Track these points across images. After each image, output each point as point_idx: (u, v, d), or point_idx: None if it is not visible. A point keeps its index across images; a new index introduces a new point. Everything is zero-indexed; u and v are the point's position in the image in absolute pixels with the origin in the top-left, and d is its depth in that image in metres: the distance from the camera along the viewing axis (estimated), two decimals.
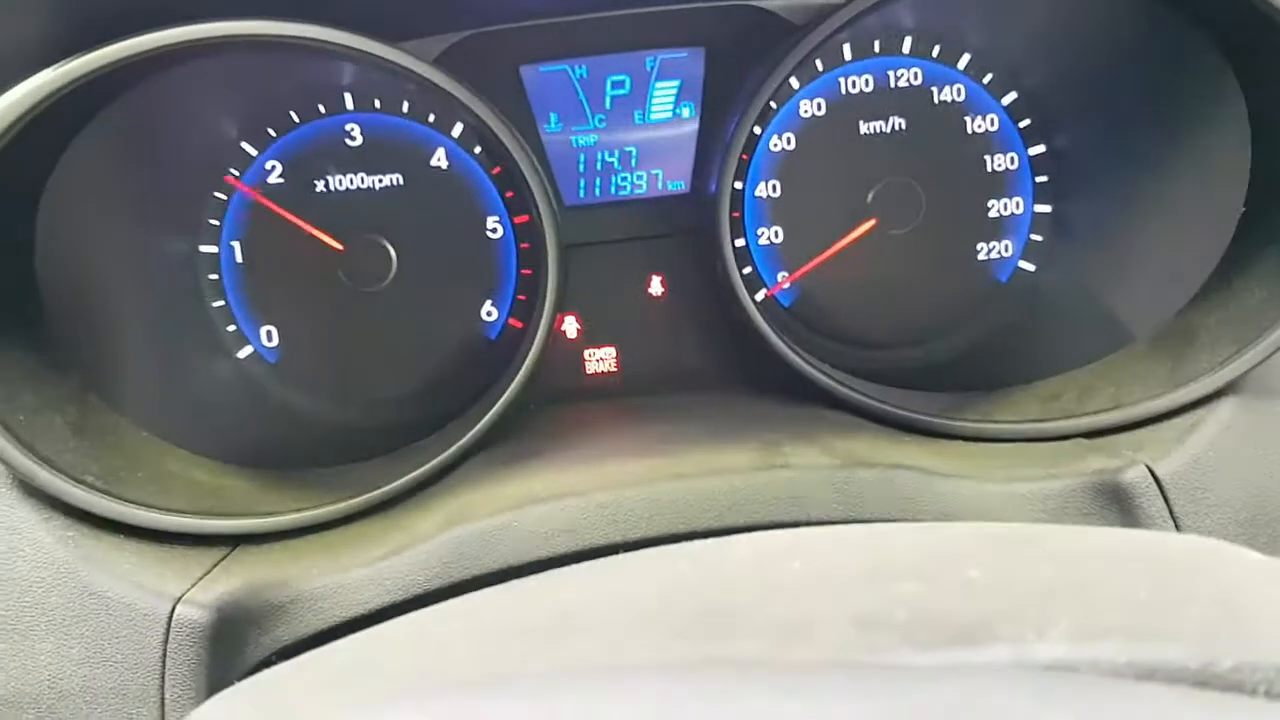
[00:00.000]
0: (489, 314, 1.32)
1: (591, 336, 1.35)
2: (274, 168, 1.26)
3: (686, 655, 0.43)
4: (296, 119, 1.26)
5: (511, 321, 1.32)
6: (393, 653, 0.52)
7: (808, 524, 0.93)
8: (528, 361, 1.10)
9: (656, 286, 1.34)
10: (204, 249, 1.26)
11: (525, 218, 1.29)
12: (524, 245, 1.31)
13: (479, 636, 0.51)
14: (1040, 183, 1.32)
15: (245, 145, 1.25)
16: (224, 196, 1.26)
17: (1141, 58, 1.17)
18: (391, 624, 0.55)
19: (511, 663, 0.46)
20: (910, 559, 0.51)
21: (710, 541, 0.56)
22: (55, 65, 0.87)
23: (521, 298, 1.32)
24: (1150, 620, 0.43)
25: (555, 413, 1.28)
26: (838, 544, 0.55)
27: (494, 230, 1.31)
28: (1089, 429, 1.04)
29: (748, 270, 1.33)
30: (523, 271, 1.31)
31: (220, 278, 1.27)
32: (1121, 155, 1.23)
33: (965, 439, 1.07)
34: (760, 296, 1.33)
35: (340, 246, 1.25)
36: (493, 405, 1.08)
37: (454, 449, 1.06)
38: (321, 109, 1.26)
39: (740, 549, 0.55)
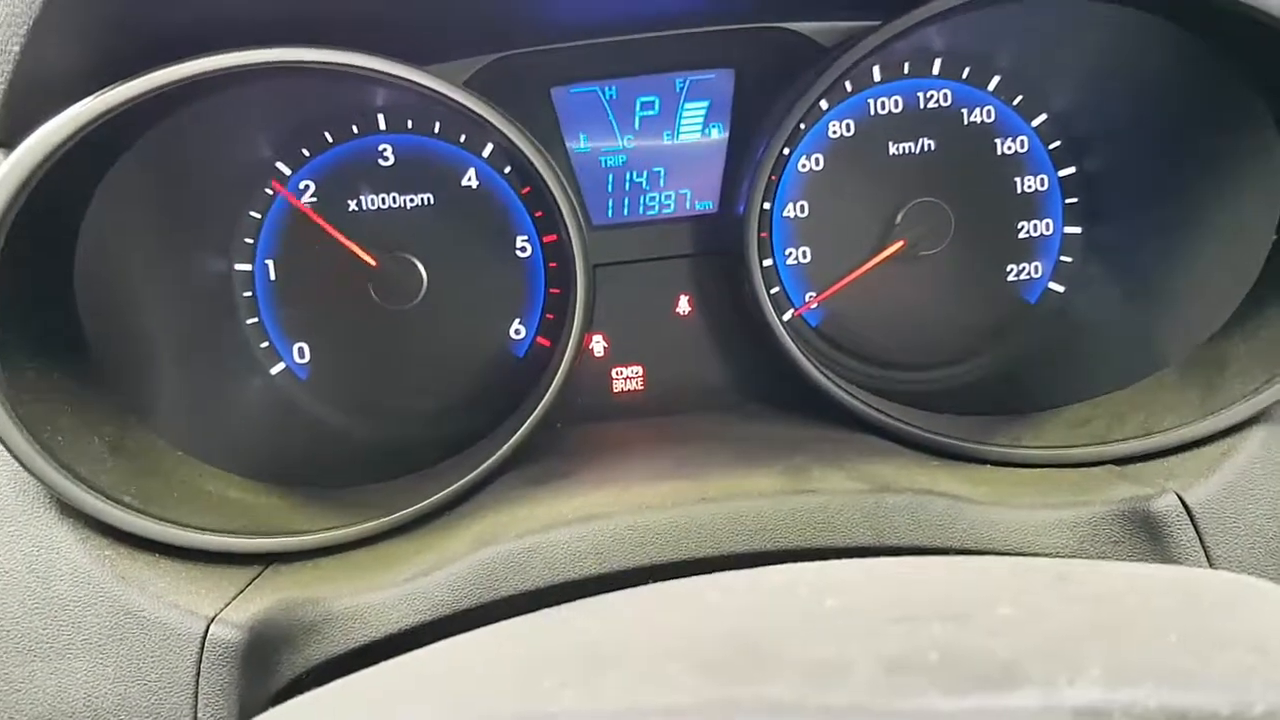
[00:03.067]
0: (517, 332, 1.33)
1: (619, 355, 1.36)
2: (308, 187, 1.27)
3: (716, 694, 0.44)
4: (330, 139, 1.27)
5: (539, 340, 1.33)
6: (425, 682, 0.53)
7: (834, 550, 0.93)
8: (556, 380, 1.11)
9: (684, 306, 1.35)
10: (239, 267, 1.28)
11: (554, 237, 1.30)
12: (553, 264, 1.32)
13: (510, 668, 0.51)
14: (1070, 204, 1.32)
15: (280, 165, 1.26)
16: (259, 215, 1.27)
17: (1172, 83, 1.16)
18: (424, 651, 0.56)
19: (541, 697, 0.46)
20: (943, 595, 0.51)
21: (743, 573, 0.56)
22: (98, 93, 0.89)
23: (549, 316, 1.33)
24: (1183, 664, 0.43)
25: (583, 432, 1.29)
26: (870, 579, 0.55)
27: (523, 249, 1.32)
28: (1118, 456, 1.03)
29: (775, 290, 1.33)
30: (551, 290, 1.32)
31: (254, 295, 1.29)
32: (1152, 178, 1.22)
33: (993, 463, 1.07)
34: (788, 316, 1.33)
35: (374, 261, 1.26)
36: (521, 424, 1.09)
37: (482, 468, 1.07)
38: (355, 130, 1.27)
39: (772, 582, 0.55)
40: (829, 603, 0.52)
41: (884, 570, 0.57)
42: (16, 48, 0.84)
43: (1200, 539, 0.92)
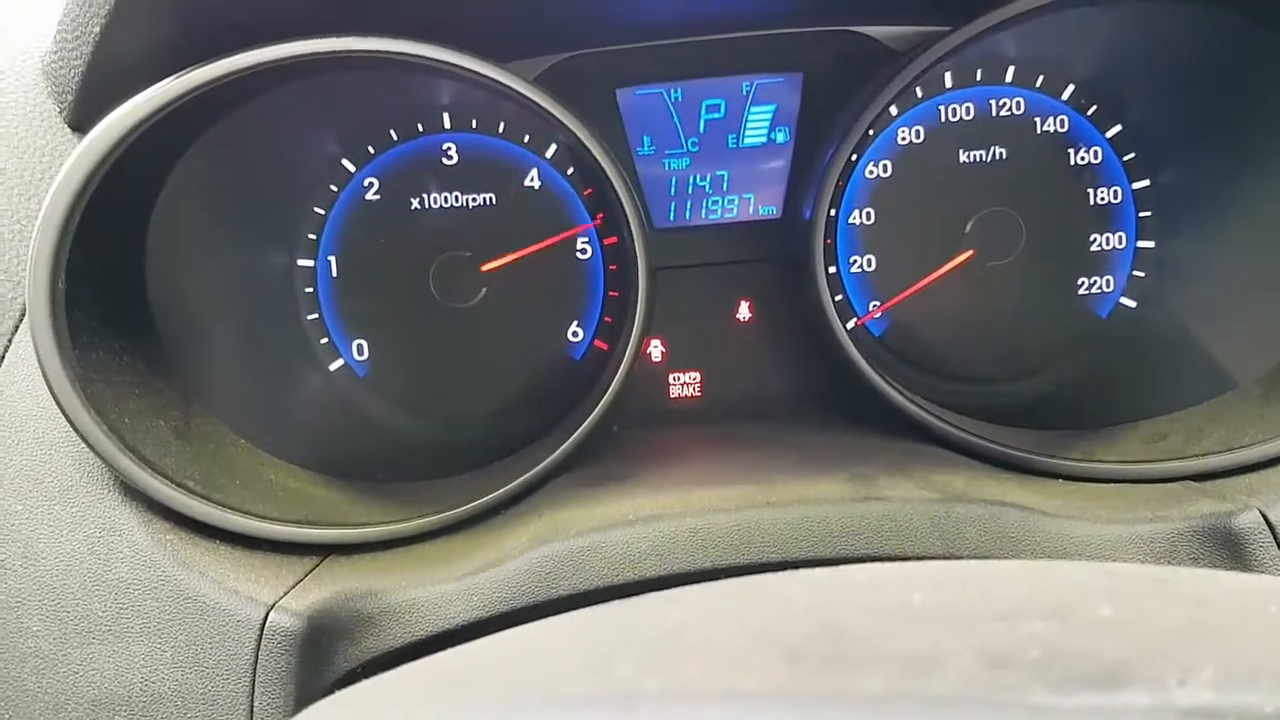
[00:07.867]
0: (575, 334, 1.32)
1: (677, 360, 1.35)
2: (372, 184, 1.27)
3: (805, 684, 0.42)
4: (396, 137, 1.27)
5: (597, 343, 1.32)
6: (499, 665, 0.51)
7: (904, 559, 0.91)
8: (613, 384, 1.10)
9: (744, 311, 1.33)
10: (301, 262, 1.28)
11: (615, 239, 1.30)
12: (613, 267, 1.31)
13: (588, 652, 0.49)
14: (1144, 218, 1.29)
15: (345, 162, 1.27)
16: (323, 211, 1.28)
17: (1251, 95, 1.14)
18: (497, 636, 0.54)
19: (622, 681, 0.45)
20: (1037, 594, 0.49)
21: (823, 570, 0.55)
22: (172, 76, 0.90)
23: (608, 319, 1.32)
24: None
25: (639, 435, 1.27)
26: (957, 578, 0.53)
27: (583, 251, 1.31)
28: (1198, 471, 1.00)
29: (838, 298, 1.31)
30: (610, 293, 1.31)
31: (315, 291, 1.29)
32: (1228, 192, 1.19)
33: (1066, 478, 1.04)
34: (850, 325, 1.31)
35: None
36: (578, 426, 1.08)
37: (539, 468, 1.06)
38: (420, 128, 1.27)
39: (855, 578, 0.53)
40: (916, 598, 0.50)
41: (971, 571, 0.55)
42: (97, 29, 0.85)
43: None
